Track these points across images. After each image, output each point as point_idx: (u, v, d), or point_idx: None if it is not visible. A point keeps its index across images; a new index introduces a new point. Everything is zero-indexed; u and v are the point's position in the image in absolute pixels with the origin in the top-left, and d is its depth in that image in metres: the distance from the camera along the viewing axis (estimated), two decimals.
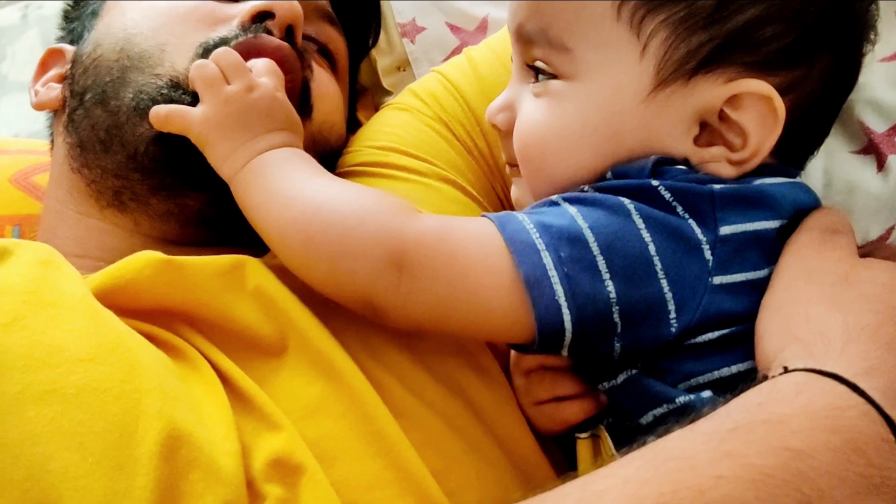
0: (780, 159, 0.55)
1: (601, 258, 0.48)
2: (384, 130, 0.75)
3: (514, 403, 0.59)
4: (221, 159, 0.60)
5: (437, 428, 0.54)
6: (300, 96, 0.69)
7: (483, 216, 0.53)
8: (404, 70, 0.95)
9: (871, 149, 0.69)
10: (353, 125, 0.85)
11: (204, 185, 0.62)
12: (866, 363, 0.42)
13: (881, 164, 0.69)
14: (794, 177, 0.56)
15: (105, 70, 0.67)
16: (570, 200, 0.51)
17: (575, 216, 0.49)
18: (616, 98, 0.52)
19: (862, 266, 0.49)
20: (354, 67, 0.90)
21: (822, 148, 0.63)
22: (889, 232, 0.69)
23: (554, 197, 0.52)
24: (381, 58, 0.95)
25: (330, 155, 0.75)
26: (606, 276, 0.48)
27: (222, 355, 0.54)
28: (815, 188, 0.70)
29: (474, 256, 0.50)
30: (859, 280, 0.47)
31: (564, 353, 0.50)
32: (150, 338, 0.53)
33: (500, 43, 0.76)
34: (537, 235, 0.49)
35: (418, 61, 0.93)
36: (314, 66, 0.73)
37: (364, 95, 0.97)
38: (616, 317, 0.48)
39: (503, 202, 0.72)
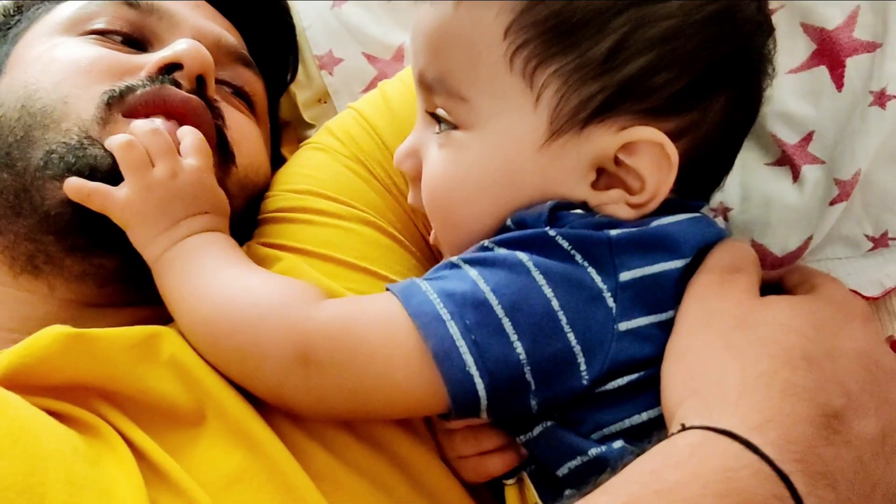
0: (684, 194, 0.55)
1: (507, 320, 0.48)
2: (302, 172, 0.74)
3: (440, 456, 0.58)
4: (142, 245, 0.60)
5: (363, 489, 0.54)
6: (218, 146, 0.67)
7: (387, 289, 0.52)
8: (325, 102, 0.94)
9: (785, 160, 0.69)
10: (278, 161, 0.84)
11: (119, 247, 0.61)
12: (761, 415, 0.42)
13: (796, 176, 0.69)
14: (698, 209, 0.55)
15: (7, 130, 0.65)
16: (471, 262, 0.51)
17: (476, 280, 0.49)
18: (512, 148, 0.52)
19: (761, 307, 0.49)
20: (274, 104, 0.89)
21: (738, 162, 0.64)
22: (807, 242, 0.70)
23: (454, 259, 0.52)
24: (301, 91, 0.94)
25: (259, 195, 0.74)
26: (514, 337, 0.48)
27: (137, 429, 0.53)
28: (733, 202, 0.71)
29: (381, 338, 0.50)
30: (757, 323, 0.47)
31: (483, 415, 0.50)
32: (62, 417, 0.52)
33: (412, 77, 0.75)
34: (441, 305, 0.49)
35: (338, 93, 0.92)
36: (229, 111, 0.72)
37: (286, 129, 0.96)
38: (528, 376, 0.48)
39: (425, 239, 0.72)
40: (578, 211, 0.52)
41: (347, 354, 0.49)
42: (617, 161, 0.52)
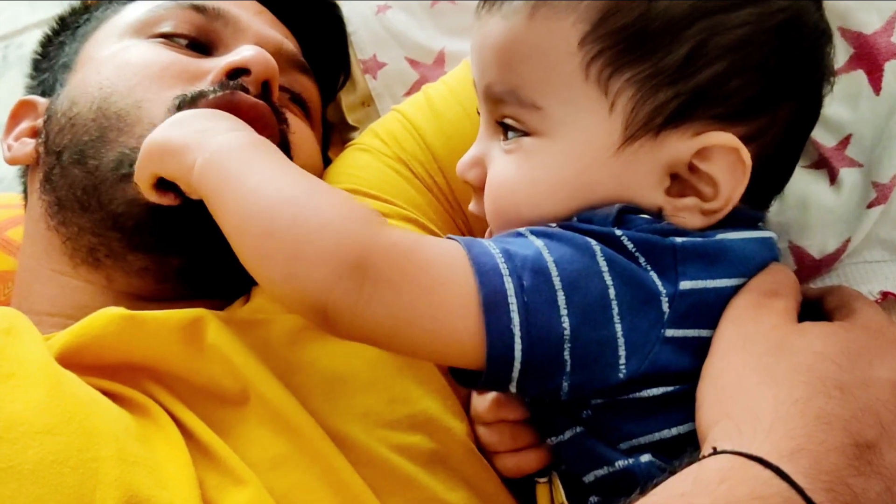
0: (748, 201, 0.55)
1: (561, 293, 0.48)
2: (347, 172, 0.76)
3: (477, 448, 0.60)
4: (185, 165, 0.56)
5: (405, 472, 0.55)
6: (279, 147, 0.69)
7: (449, 237, 0.52)
8: (368, 105, 0.96)
9: (822, 163, 0.70)
10: (324, 163, 0.86)
11: (187, 248, 0.63)
12: (793, 442, 0.42)
13: (833, 178, 0.69)
14: (761, 220, 0.56)
15: (82, 129, 0.67)
16: (537, 234, 0.51)
17: (541, 249, 0.49)
18: (587, 153, 0.53)
19: (797, 334, 0.49)
20: (323, 108, 0.91)
21: None
22: (845, 245, 0.70)
23: (521, 229, 0.52)
24: (346, 95, 0.97)
25: None
26: (564, 312, 0.47)
27: (185, 409, 0.55)
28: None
29: (442, 273, 0.49)
30: (793, 350, 0.47)
31: (513, 388, 0.49)
32: (114, 396, 0.54)
33: (455, 80, 0.78)
34: (502, 260, 0.48)
35: (381, 96, 0.94)
36: (290, 117, 0.74)
37: (331, 132, 0.98)
38: (567, 354, 0.48)
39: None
40: (646, 216, 0.52)
41: (407, 278, 0.48)
42: (691, 167, 0.53)
